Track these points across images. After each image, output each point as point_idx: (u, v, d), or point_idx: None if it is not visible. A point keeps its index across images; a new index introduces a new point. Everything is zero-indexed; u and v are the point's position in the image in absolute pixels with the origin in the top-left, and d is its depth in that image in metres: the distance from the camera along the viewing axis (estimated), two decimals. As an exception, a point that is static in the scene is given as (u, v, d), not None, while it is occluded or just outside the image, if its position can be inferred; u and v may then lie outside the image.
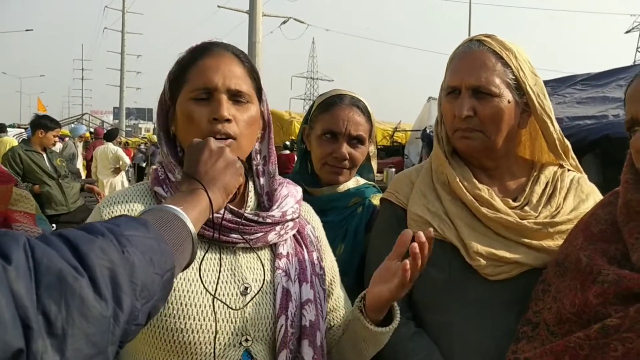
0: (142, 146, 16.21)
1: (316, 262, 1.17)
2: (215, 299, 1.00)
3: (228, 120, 1.03)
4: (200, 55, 1.07)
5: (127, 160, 8.74)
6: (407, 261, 1.00)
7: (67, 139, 9.39)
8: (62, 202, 5.19)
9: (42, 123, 5.30)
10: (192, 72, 1.06)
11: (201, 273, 1.01)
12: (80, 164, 8.34)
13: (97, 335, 0.56)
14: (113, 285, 0.59)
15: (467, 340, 1.21)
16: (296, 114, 12.81)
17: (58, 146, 8.57)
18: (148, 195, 1.09)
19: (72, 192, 5.32)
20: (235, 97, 1.06)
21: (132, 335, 0.63)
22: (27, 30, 38.27)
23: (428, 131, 8.25)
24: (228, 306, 1.01)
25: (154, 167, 1.15)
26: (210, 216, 0.88)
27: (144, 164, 14.34)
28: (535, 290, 1.16)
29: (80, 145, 8.89)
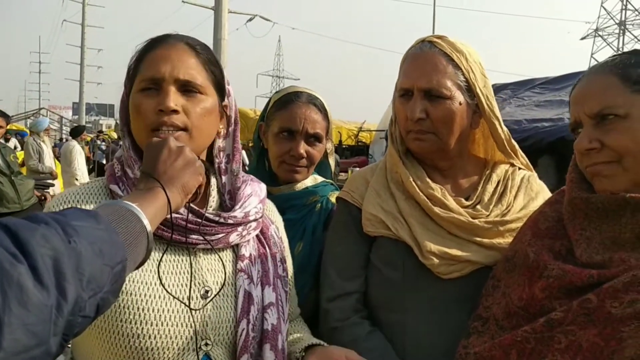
0: (102, 143, 15.77)
1: (279, 263, 1.15)
2: (173, 302, 0.97)
3: (175, 112, 1.00)
4: (153, 46, 1.04)
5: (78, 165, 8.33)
6: None
7: (27, 136, 8.86)
8: (14, 200, 5.00)
9: None
10: (143, 63, 1.03)
11: (160, 275, 0.98)
12: (51, 161, 7.93)
13: (37, 325, 0.53)
14: (56, 273, 0.56)
15: (420, 338, 1.23)
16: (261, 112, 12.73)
17: (13, 142, 8.22)
18: (103, 193, 1.05)
19: (25, 189, 5.12)
20: (186, 87, 1.02)
21: (78, 328, 0.60)
22: (-20, 20, 36.66)
23: (390, 131, 8.36)
24: (190, 308, 0.98)
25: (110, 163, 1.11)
26: (168, 215, 0.86)
27: (104, 161, 13.98)
28: (485, 286, 1.18)
29: (47, 140, 8.47)
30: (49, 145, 8.25)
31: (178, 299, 0.97)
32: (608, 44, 43.09)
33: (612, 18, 43.04)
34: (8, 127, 5.71)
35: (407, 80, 1.28)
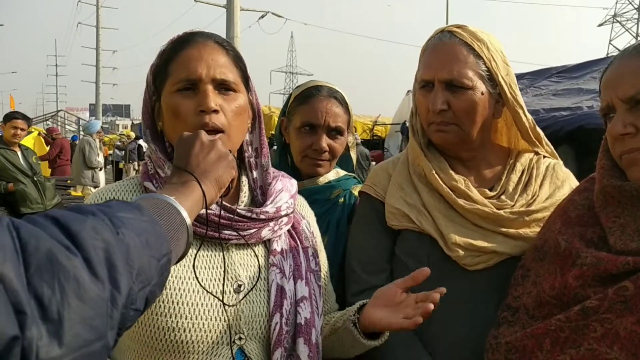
0: (119, 143, 15.95)
1: (311, 258, 1.15)
2: (207, 296, 0.98)
3: (215, 112, 1.00)
4: (181, 46, 1.04)
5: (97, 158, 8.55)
6: (431, 307, 1.00)
7: (82, 137, 9.09)
8: (37, 200, 5.10)
9: (5, 116, 5.18)
10: (174, 65, 1.03)
11: (194, 270, 0.99)
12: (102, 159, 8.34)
13: (95, 319, 0.52)
14: (109, 266, 0.55)
15: (446, 330, 1.22)
16: (275, 108, 12.75)
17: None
18: (138, 190, 1.07)
19: (48, 190, 5.22)
20: (221, 86, 1.03)
21: (130, 321, 0.59)
22: (-2, 25, 37.30)
23: (407, 124, 8.31)
24: (223, 303, 0.98)
25: (142, 161, 1.12)
26: (204, 209, 0.86)
27: (121, 163, 14.14)
28: (514, 276, 1.17)
29: (98, 141, 8.76)
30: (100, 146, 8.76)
31: (212, 294, 0.98)
32: (627, 30, 42.25)
33: (630, 3, 42.14)
34: (29, 129, 5.79)
35: (427, 72, 1.27)
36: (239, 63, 1.08)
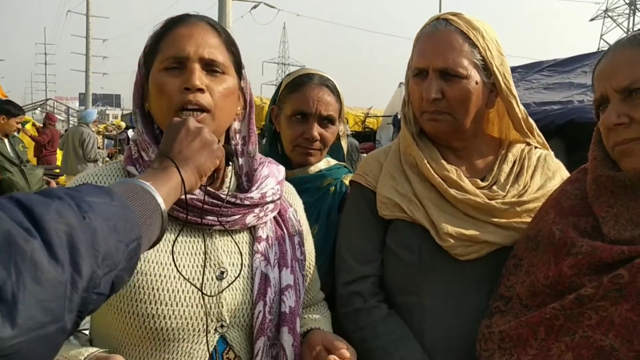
0: (107, 133, 15.83)
1: (297, 246, 1.14)
2: (188, 283, 0.97)
3: (201, 90, 0.99)
4: (173, 25, 1.04)
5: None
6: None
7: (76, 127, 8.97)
8: (24, 189, 5.04)
9: (4, 109, 5.11)
10: (164, 42, 1.02)
11: (174, 256, 0.97)
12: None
13: (52, 302, 0.52)
14: (71, 249, 0.55)
15: (438, 320, 1.22)
16: (267, 99, 12.68)
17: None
18: (120, 174, 1.06)
19: (35, 178, 5.17)
20: (210, 66, 1.02)
21: (93, 305, 0.59)
22: (-15, 12, 36.73)
23: (399, 116, 8.30)
24: (201, 291, 0.97)
25: (127, 146, 1.11)
26: (183, 196, 0.85)
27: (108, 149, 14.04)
28: (506, 265, 1.17)
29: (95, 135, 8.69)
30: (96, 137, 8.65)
31: (189, 282, 0.97)
32: (618, 25, 42.49)
33: (621, -2, 42.38)
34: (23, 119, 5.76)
35: (421, 60, 1.26)
36: (230, 47, 1.06)
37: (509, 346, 1.04)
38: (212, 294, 0.99)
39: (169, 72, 1.00)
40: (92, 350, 0.91)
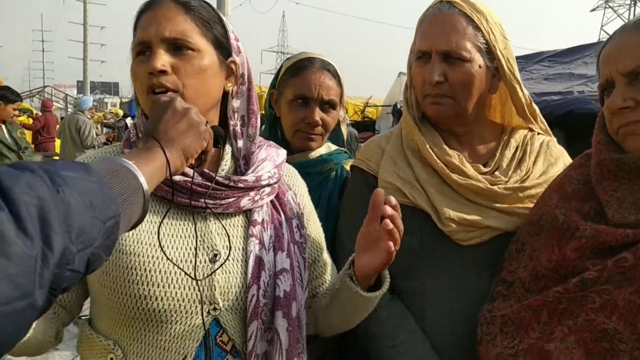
0: (106, 121, 15.76)
1: (295, 229, 1.13)
2: (180, 265, 0.96)
3: (163, 72, 0.97)
4: (143, 10, 1.03)
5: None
6: (388, 222, 0.96)
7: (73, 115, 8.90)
8: (23, 176, 5.03)
9: (1, 95, 5.08)
10: (137, 29, 1.02)
11: (161, 238, 0.97)
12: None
13: (20, 276, 0.49)
14: (41, 223, 0.53)
15: (439, 305, 1.22)
16: (266, 88, 12.64)
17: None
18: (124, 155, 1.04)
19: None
20: (174, 45, 0.99)
21: (66, 282, 0.57)
22: (-18, -2, 36.39)
23: (399, 106, 8.27)
24: (188, 275, 0.96)
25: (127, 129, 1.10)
26: (168, 176, 0.83)
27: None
28: (508, 250, 1.17)
29: (91, 121, 8.61)
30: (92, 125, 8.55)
31: (176, 264, 0.96)
32: (619, 16, 42.31)
33: (622, -11, 42.16)
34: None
35: (424, 42, 1.24)
36: (203, 22, 1.03)
37: (511, 330, 1.04)
38: (204, 276, 0.98)
39: (138, 58, 1.01)
40: None
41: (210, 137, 0.93)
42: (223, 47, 1.06)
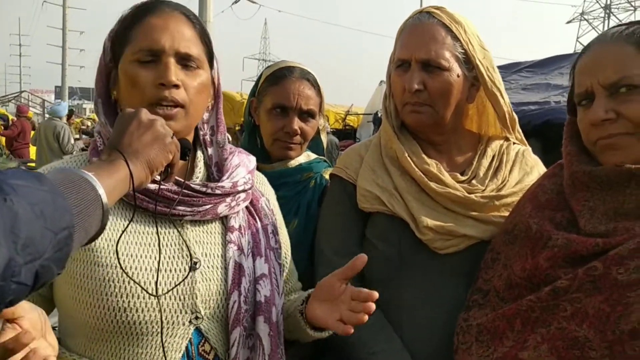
0: (83, 127, 15.54)
1: (271, 235, 1.13)
2: (160, 275, 0.95)
3: (176, 86, 0.96)
4: (146, 12, 1.00)
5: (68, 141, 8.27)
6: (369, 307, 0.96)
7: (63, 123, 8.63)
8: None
9: None
10: (136, 31, 0.98)
11: (135, 248, 0.95)
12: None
13: None
14: None
15: (417, 313, 1.22)
16: (247, 95, 12.62)
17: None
18: (85, 166, 1.01)
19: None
20: (185, 61, 0.99)
21: (12, 295, 0.54)
22: (-43, 1, 35.69)
23: (379, 114, 8.33)
24: (150, 294, 0.94)
25: (92, 138, 1.07)
26: (131, 189, 0.81)
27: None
28: (484, 259, 1.18)
29: (70, 127, 8.39)
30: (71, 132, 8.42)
31: (139, 285, 0.93)
32: (593, 28, 43.34)
33: (597, 2, 43.24)
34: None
35: (404, 51, 1.26)
36: (204, 38, 1.04)
37: (486, 339, 1.05)
38: (186, 284, 0.97)
39: (142, 65, 0.97)
40: None
41: (176, 150, 0.91)
42: (211, 61, 1.07)
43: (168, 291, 0.96)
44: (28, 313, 0.70)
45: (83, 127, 15.39)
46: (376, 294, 0.97)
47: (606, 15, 42.63)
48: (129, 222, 0.94)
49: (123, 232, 0.94)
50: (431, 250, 1.22)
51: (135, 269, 0.94)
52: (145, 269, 0.95)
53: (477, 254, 1.21)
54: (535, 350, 0.97)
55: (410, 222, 1.24)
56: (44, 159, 7.98)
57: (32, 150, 8.97)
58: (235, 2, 18.02)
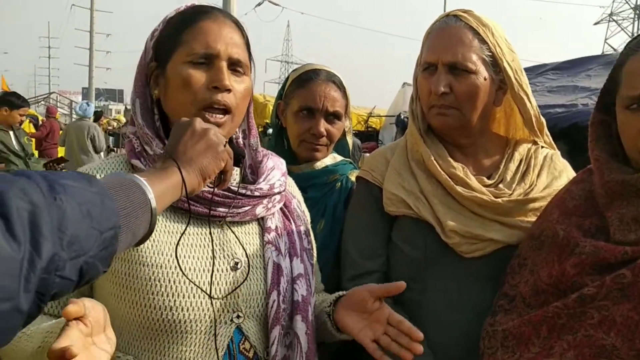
0: (109, 128, 15.81)
1: (304, 236, 1.15)
2: (204, 275, 0.97)
3: (228, 90, 0.99)
4: (199, 17, 1.02)
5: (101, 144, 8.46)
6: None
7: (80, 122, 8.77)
8: (28, 182, 5.05)
9: (7, 100, 5.11)
10: (189, 34, 1.01)
11: (180, 248, 0.97)
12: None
13: (4, 278, 0.50)
14: (32, 228, 0.53)
15: (441, 317, 1.22)
16: (270, 97, 12.67)
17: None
18: (124, 167, 1.04)
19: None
20: (234, 66, 1.02)
21: (56, 289, 0.56)
22: (-10, 5, 36.72)
23: (402, 117, 8.27)
24: (203, 291, 0.97)
25: (128, 138, 1.10)
26: (184, 195, 0.84)
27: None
28: (511, 264, 1.18)
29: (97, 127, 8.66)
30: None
31: (191, 280, 0.96)
32: (622, 29, 42.40)
33: (627, 2, 42.26)
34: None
35: (431, 54, 1.27)
36: (248, 45, 1.07)
37: (511, 344, 1.05)
38: (227, 284, 1.00)
39: (195, 66, 0.99)
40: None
41: (229, 157, 0.93)
42: (251, 69, 1.09)
43: (226, 295, 0.98)
44: (91, 310, 0.73)
45: (109, 127, 15.64)
46: (422, 336, 0.96)
47: (636, 16, 41.63)
48: (187, 226, 0.97)
49: (182, 235, 0.97)
50: (457, 254, 1.22)
51: (186, 269, 0.96)
52: (195, 270, 0.97)
53: (503, 259, 1.20)
54: (562, 357, 0.96)
55: (436, 226, 1.24)
56: (75, 158, 8.15)
57: (60, 151, 9.15)
58: (259, 4, 18.18)
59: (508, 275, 1.17)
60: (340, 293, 1.12)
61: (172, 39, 1.02)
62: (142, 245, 0.95)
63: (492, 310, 1.15)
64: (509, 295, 1.13)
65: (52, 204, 0.56)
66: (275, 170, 1.12)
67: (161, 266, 0.96)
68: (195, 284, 0.96)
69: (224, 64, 1.00)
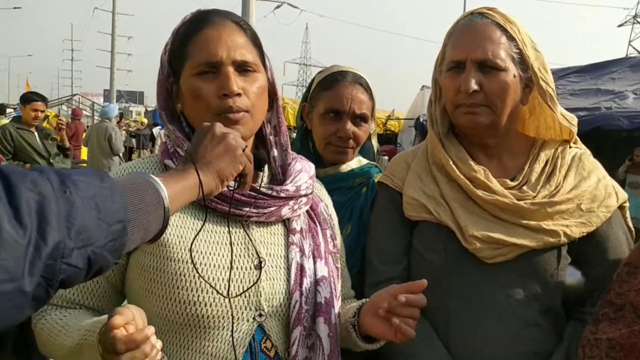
0: (131, 129, 15.99)
1: (329, 239, 1.16)
2: (228, 272, 0.99)
3: (238, 95, 1.00)
4: (199, 26, 1.03)
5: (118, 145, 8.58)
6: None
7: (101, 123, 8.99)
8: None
9: (24, 97, 5.19)
10: (192, 46, 1.02)
11: (204, 245, 1.00)
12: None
13: (9, 260, 0.54)
14: (39, 217, 0.57)
15: (464, 323, 1.20)
16: (289, 99, 12.74)
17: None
18: (158, 168, 1.08)
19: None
20: (242, 68, 1.03)
21: (63, 275, 0.60)
22: (15, 7, 37.56)
23: (421, 120, 8.21)
24: (223, 295, 0.98)
25: (162, 141, 1.13)
26: (201, 196, 0.86)
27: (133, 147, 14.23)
28: (618, 272, 1.12)
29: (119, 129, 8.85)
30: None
31: (210, 285, 0.98)
32: (646, 32, 41.54)
33: (651, 4, 41.39)
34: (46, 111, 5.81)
35: (458, 52, 1.23)
36: (256, 42, 1.07)
37: (618, 355, 1.01)
38: (248, 283, 1.01)
39: (202, 78, 1.01)
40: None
41: (249, 161, 0.95)
42: (265, 64, 1.10)
43: (241, 293, 1.00)
44: (131, 317, 0.80)
45: (131, 129, 15.83)
46: (424, 282, 0.97)
47: (661, 18, 40.76)
48: (204, 223, 0.99)
49: (199, 231, 1.00)
50: (479, 260, 1.19)
51: (206, 265, 0.99)
52: (216, 266, 0.99)
53: (528, 264, 1.18)
54: None
55: (457, 231, 1.21)
56: (95, 159, 8.29)
57: (84, 151, 9.31)
58: (278, 7, 18.26)
59: (614, 282, 1.11)
60: (363, 301, 1.11)
61: (180, 54, 1.04)
62: (170, 241, 0.99)
63: (594, 318, 1.10)
64: (615, 303, 1.08)
65: (61, 196, 0.60)
66: (302, 173, 1.13)
67: (186, 262, 0.98)
68: (205, 280, 0.97)
69: (230, 69, 1.01)
